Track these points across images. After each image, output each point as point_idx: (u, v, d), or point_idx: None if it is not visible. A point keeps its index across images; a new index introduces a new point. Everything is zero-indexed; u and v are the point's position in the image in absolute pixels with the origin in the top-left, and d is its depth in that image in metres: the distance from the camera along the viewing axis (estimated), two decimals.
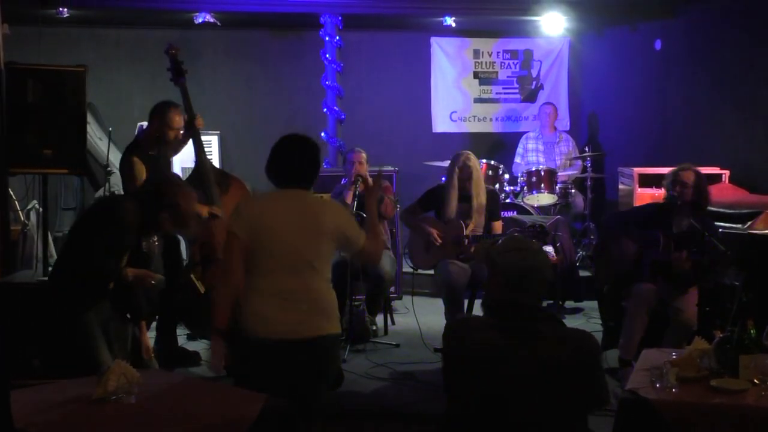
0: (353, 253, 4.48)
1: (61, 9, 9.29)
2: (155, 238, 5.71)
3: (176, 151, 6.92)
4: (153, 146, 6.57)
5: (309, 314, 4.13)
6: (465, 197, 7.16)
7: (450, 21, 10.27)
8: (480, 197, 7.14)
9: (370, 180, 7.56)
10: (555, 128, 10.60)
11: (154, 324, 6.62)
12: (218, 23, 9.84)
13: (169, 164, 6.93)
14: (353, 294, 7.36)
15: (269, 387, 3.86)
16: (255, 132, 10.83)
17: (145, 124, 6.90)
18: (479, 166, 7.34)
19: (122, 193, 6.54)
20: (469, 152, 7.28)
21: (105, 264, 4.87)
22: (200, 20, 9.68)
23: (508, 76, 11.76)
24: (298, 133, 4.43)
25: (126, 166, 6.42)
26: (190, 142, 6.82)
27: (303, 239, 4.17)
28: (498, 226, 7.24)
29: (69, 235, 5.23)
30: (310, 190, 4.36)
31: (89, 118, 8.01)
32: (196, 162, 6.74)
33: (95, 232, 4.89)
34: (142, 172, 6.35)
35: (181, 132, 6.66)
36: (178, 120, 6.57)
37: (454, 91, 11.64)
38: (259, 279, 4.17)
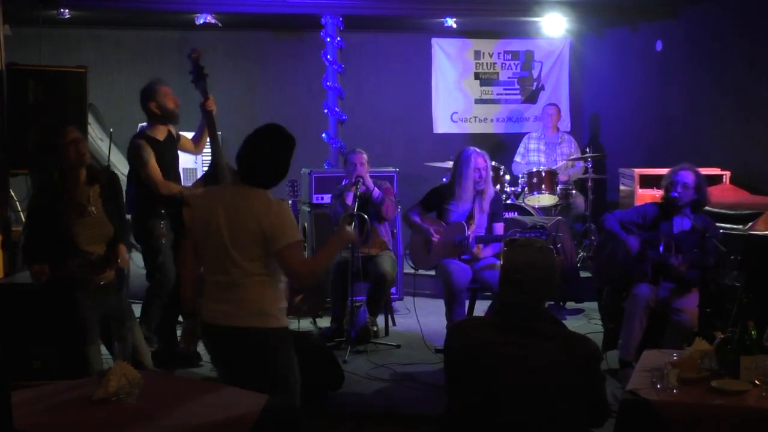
0: (275, 254, 4.20)
1: (62, 10, 9.28)
2: (162, 226, 5.71)
3: (199, 141, 6.93)
4: (159, 129, 6.58)
5: (236, 308, 4.22)
6: (475, 195, 7.18)
7: (451, 22, 10.26)
8: (490, 189, 7.17)
9: (369, 181, 7.56)
10: (557, 129, 10.60)
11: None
12: (219, 24, 9.84)
13: (176, 149, 6.86)
14: (354, 295, 7.37)
15: (219, 370, 4.32)
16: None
17: (146, 124, 6.90)
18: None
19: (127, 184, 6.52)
20: (476, 148, 7.31)
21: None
22: (201, 21, 9.68)
23: (508, 77, 11.76)
24: (268, 125, 4.60)
25: (133, 150, 6.41)
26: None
27: (229, 237, 4.20)
28: (500, 228, 7.25)
29: None
30: (261, 188, 4.31)
31: (90, 118, 8.02)
32: (212, 160, 6.73)
33: None
34: (150, 154, 6.35)
35: (177, 99, 6.65)
36: (168, 88, 6.59)
37: (455, 92, 11.64)
38: (203, 268, 4.35)
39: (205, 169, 7.94)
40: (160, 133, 6.60)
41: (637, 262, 6.29)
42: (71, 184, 4.91)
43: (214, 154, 6.73)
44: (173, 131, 6.74)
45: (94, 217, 4.90)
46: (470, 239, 7.05)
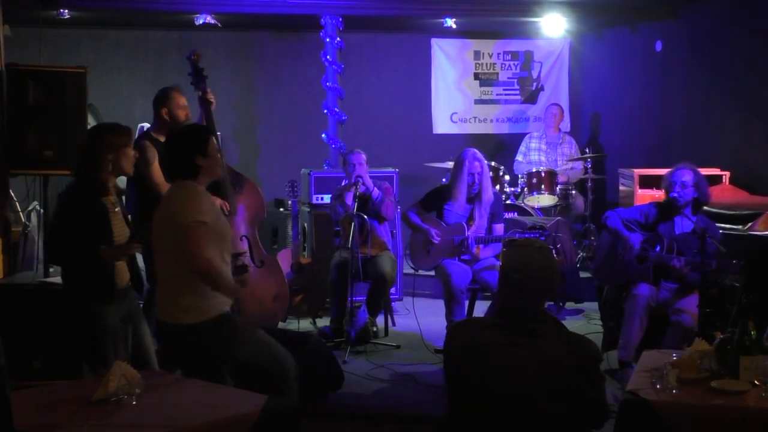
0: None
1: (61, 10, 9.28)
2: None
3: None
4: (164, 133, 6.57)
5: (164, 301, 4.41)
6: (470, 197, 7.18)
7: (450, 22, 10.26)
8: (489, 192, 7.17)
9: (369, 182, 7.57)
10: (559, 129, 10.61)
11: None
12: (219, 24, 9.84)
13: None
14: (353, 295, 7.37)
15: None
16: (255, 133, 10.85)
17: (146, 125, 6.90)
18: (486, 162, 7.38)
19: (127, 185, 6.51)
20: (476, 149, 7.32)
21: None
22: (201, 21, 9.68)
23: (508, 78, 11.77)
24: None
25: (138, 151, 6.39)
26: None
27: (158, 229, 4.39)
28: (499, 229, 7.25)
29: None
30: (188, 181, 4.41)
31: (90, 119, 8.00)
32: None
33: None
34: (154, 156, 6.34)
35: (189, 112, 6.67)
36: (184, 99, 6.60)
37: (455, 92, 11.65)
38: None
39: None
40: (164, 137, 6.59)
41: (638, 262, 6.29)
42: (110, 184, 4.94)
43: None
44: None
45: (119, 218, 4.91)
46: (470, 240, 7.06)
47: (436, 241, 7.15)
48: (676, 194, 6.22)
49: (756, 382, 3.80)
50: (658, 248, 6.25)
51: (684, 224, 6.27)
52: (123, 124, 5.12)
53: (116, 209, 4.89)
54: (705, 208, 6.61)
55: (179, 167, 4.42)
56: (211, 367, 4.25)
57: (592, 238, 9.56)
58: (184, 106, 6.58)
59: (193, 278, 4.26)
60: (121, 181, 5.71)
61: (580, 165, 10.09)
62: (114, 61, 10.70)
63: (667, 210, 6.34)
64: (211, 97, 6.72)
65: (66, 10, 9.34)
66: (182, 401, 3.67)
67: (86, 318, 4.74)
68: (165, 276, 4.41)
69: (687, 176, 6.25)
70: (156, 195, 6.34)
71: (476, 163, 7.13)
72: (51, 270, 6.23)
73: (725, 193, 8.07)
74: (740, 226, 6.85)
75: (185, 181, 4.40)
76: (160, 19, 10.34)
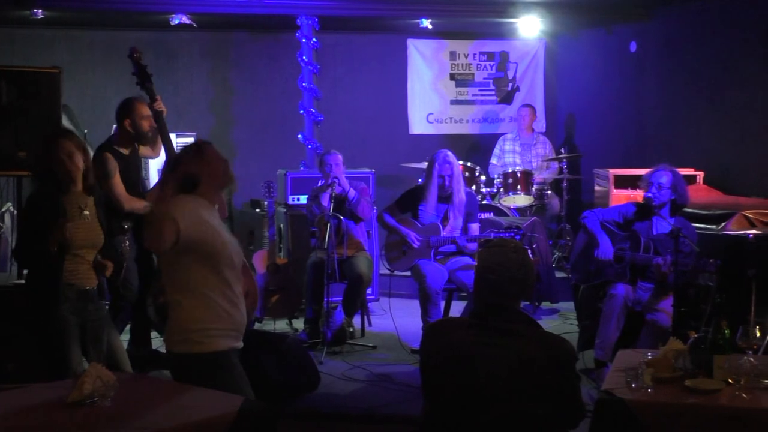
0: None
1: (35, 10, 9.23)
2: (126, 243, 5.68)
3: (155, 144, 6.77)
4: (126, 145, 6.51)
5: (169, 330, 4.08)
6: (444, 197, 7.19)
7: (426, 23, 10.28)
8: (461, 194, 7.18)
9: (345, 182, 7.57)
10: (533, 130, 10.65)
11: (127, 328, 6.60)
12: (194, 24, 9.80)
13: (140, 165, 6.84)
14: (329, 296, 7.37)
15: None
16: (231, 133, 10.82)
17: (112, 135, 6.82)
18: (458, 163, 7.38)
19: None
20: (448, 150, 7.32)
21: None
22: (176, 22, 9.64)
23: (484, 78, 11.80)
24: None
25: (99, 163, 6.31)
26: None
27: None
28: (475, 229, 7.26)
29: None
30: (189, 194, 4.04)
31: (64, 120, 7.97)
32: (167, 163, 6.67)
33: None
34: (115, 168, 6.28)
35: (153, 122, 6.55)
36: (147, 109, 6.46)
37: (431, 92, 11.67)
38: None
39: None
40: (126, 149, 6.52)
41: (615, 261, 6.31)
42: (69, 186, 4.90)
43: (168, 155, 6.64)
44: (137, 148, 6.65)
45: (88, 223, 4.89)
46: (462, 242, 7.06)
47: (416, 246, 7.15)
48: (651, 194, 6.25)
49: (729, 380, 3.83)
50: (637, 248, 6.25)
51: (661, 225, 6.30)
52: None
53: (84, 212, 4.87)
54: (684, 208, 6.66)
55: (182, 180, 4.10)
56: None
57: (568, 238, 9.60)
58: (148, 116, 6.45)
59: (208, 301, 3.99)
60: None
61: (555, 165, 10.14)
62: (88, 61, 10.64)
63: (644, 210, 6.37)
64: (160, 106, 6.47)
65: (40, 10, 9.28)
66: (158, 403, 3.66)
67: (45, 319, 4.75)
68: (170, 302, 4.08)
69: (664, 177, 6.28)
70: (118, 210, 6.24)
71: (447, 165, 7.14)
72: (25, 272, 6.19)
73: (699, 193, 8.11)
74: (714, 226, 6.89)
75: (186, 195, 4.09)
76: (135, 19, 10.30)
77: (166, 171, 4.25)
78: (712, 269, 5.77)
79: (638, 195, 6.52)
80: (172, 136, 7.03)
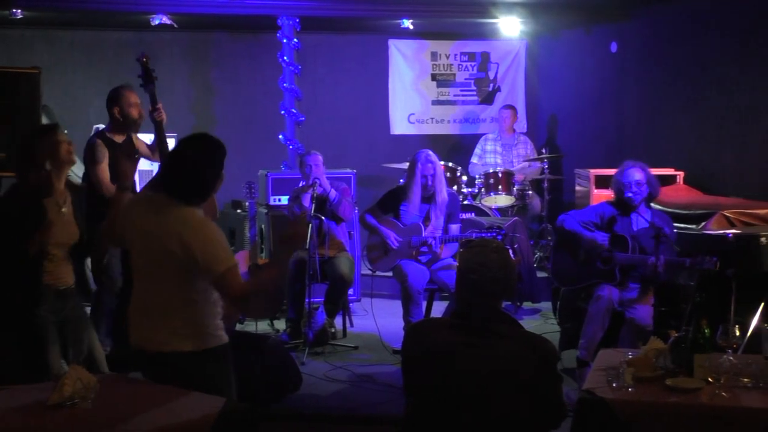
0: (213, 282, 3.86)
1: (14, 10, 9.18)
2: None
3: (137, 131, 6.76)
4: (119, 133, 6.54)
5: (155, 330, 3.98)
6: (426, 198, 7.19)
7: (407, 23, 10.29)
8: (443, 194, 7.18)
9: (326, 183, 7.56)
10: (514, 130, 10.68)
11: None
12: (175, 25, 9.78)
13: (133, 154, 6.81)
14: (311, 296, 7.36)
15: None
16: (212, 134, 10.77)
17: (101, 126, 6.84)
18: (440, 163, 7.39)
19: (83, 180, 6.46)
20: (430, 150, 7.33)
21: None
22: (157, 22, 9.61)
23: (465, 78, 11.82)
24: (197, 134, 4.15)
25: (88, 149, 6.36)
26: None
27: (150, 252, 3.94)
28: (456, 230, 7.26)
29: None
30: (178, 201, 3.91)
31: (44, 120, 7.93)
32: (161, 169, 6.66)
33: None
34: (104, 155, 6.30)
35: (142, 110, 6.58)
36: (134, 97, 6.55)
37: (412, 93, 11.68)
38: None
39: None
40: (119, 137, 6.56)
41: (603, 263, 6.28)
42: (55, 183, 4.87)
43: (162, 161, 6.64)
44: (132, 137, 6.68)
45: (65, 219, 4.86)
46: (436, 242, 7.06)
47: (395, 247, 7.15)
48: (632, 194, 6.26)
49: (709, 379, 3.85)
50: (626, 248, 6.25)
51: (639, 221, 6.32)
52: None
53: (62, 209, 4.85)
54: (660, 207, 6.68)
55: (202, 189, 3.99)
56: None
57: (549, 238, 9.62)
58: (136, 104, 6.53)
59: (208, 302, 3.96)
60: None
61: (536, 165, 10.17)
62: (69, 61, 10.59)
63: (623, 209, 6.38)
64: (161, 115, 6.46)
65: (19, 10, 9.23)
66: (139, 405, 3.64)
67: (20, 322, 4.72)
68: (159, 304, 3.99)
69: (639, 175, 6.29)
70: (100, 195, 6.26)
71: (429, 165, 7.14)
72: None
73: (679, 193, 8.15)
74: (694, 226, 6.92)
75: (191, 209, 3.94)
76: (115, 19, 10.26)
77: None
78: (711, 266, 5.78)
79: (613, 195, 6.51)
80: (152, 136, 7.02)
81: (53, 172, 4.84)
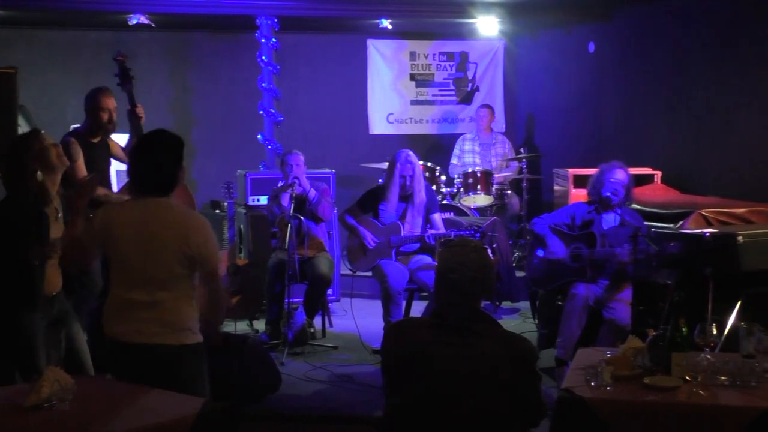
0: (204, 276, 4.08)
1: None
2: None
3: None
4: (94, 134, 6.53)
5: (148, 324, 4.00)
6: (404, 197, 7.20)
7: (386, 23, 10.28)
8: (421, 194, 7.19)
9: (306, 182, 7.56)
10: (491, 130, 10.70)
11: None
12: (153, 25, 9.73)
13: (108, 155, 6.79)
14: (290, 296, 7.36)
15: None
16: (191, 134, 10.74)
17: (78, 126, 6.81)
18: (419, 164, 7.40)
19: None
20: (410, 150, 7.34)
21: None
22: (134, 22, 9.56)
23: (444, 78, 11.82)
24: (157, 131, 4.35)
25: (63, 148, 6.30)
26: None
27: (146, 254, 4.01)
28: (437, 219, 7.26)
29: None
30: (167, 197, 4.14)
31: (20, 120, 7.89)
32: None
33: None
34: (79, 153, 6.28)
35: (115, 114, 6.58)
36: (108, 101, 6.54)
37: (391, 93, 11.67)
38: (113, 286, 4.14)
39: None
40: (94, 138, 6.54)
41: (573, 260, 6.35)
42: (50, 189, 4.84)
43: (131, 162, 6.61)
44: (106, 138, 6.67)
45: (58, 226, 4.83)
46: (431, 238, 7.05)
47: (371, 247, 7.16)
48: (610, 194, 6.30)
49: (687, 377, 3.87)
50: (594, 245, 6.30)
51: (609, 220, 6.37)
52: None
53: (59, 215, 4.83)
54: (638, 206, 6.72)
55: (176, 180, 4.22)
56: (190, 389, 3.94)
57: (528, 237, 9.63)
58: (108, 108, 6.53)
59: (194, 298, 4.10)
60: None
61: (514, 165, 10.19)
62: (46, 61, 10.52)
63: (600, 208, 6.41)
64: (141, 112, 6.57)
65: None
66: (117, 406, 3.63)
67: (13, 327, 4.68)
68: (155, 303, 4.03)
69: (621, 175, 6.35)
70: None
71: (408, 165, 7.15)
72: None
73: (656, 192, 8.18)
74: (671, 225, 6.95)
75: (181, 203, 4.24)
76: (93, 19, 10.20)
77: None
78: (675, 250, 5.82)
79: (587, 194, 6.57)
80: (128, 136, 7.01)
81: (47, 179, 4.81)
